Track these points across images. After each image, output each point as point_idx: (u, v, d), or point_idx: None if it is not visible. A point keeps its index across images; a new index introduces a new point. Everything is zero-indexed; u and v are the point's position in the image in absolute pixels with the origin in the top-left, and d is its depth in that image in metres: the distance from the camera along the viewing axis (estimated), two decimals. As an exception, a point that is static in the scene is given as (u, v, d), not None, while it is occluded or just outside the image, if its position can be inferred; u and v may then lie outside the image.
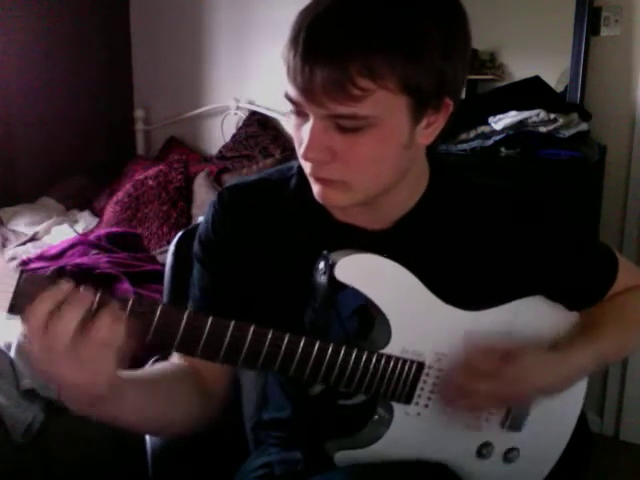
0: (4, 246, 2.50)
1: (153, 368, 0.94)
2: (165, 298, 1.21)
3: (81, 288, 0.74)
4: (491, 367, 0.88)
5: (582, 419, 1.10)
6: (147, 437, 1.19)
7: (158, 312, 0.77)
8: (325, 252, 0.89)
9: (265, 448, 1.09)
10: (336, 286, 0.89)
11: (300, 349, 0.84)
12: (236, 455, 1.14)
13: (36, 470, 1.74)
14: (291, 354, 0.84)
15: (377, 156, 0.83)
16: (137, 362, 0.88)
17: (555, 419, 1.04)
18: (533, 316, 0.99)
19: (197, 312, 0.81)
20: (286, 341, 0.83)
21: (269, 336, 0.82)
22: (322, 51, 0.76)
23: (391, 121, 0.81)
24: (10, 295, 0.72)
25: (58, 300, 0.72)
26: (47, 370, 0.74)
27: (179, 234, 1.24)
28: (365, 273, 0.88)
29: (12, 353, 1.73)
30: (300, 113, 0.83)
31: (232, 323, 0.80)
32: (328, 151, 0.82)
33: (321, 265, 0.90)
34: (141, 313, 0.77)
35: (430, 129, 0.86)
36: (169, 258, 1.23)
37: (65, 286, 0.73)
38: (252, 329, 0.81)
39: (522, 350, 0.91)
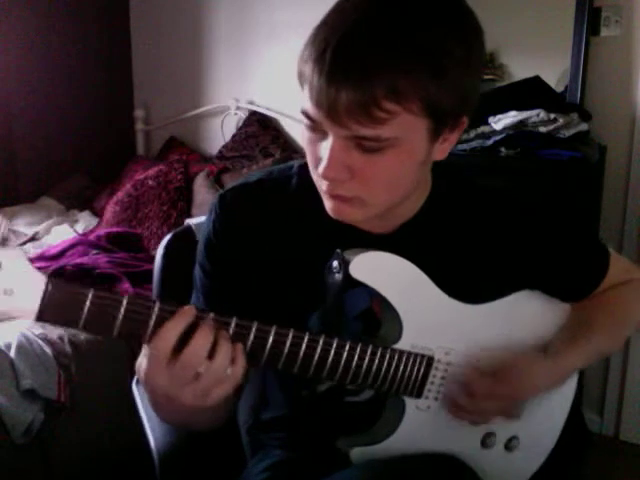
0: (4, 246, 2.50)
1: None
2: None
3: (210, 315, 0.78)
4: (486, 388, 0.93)
5: (578, 413, 1.13)
6: (151, 439, 1.18)
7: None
8: (338, 250, 0.90)
9: (268, 450, 1.08)
10: (349, 284, 0.90)
11: (319, 347, 0.85)
12: (230, 462, 1.14)
13: (36, 470, 1.74)
14: (311, 353, 0.85)
15: (395, 175, 0.84)
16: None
17: (550, 406, 1.07)
18: (531, 308, 1.03)
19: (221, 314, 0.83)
20: (306, 340, 0.84)
21: (290, 336, 0.83)
22: (349, 73, 0.76)
23: (411, 141, 0.81)
24: (37, 303, 0.71)
25: (186, 326, 0.76)
26: (166, 393, 0.78)
27: (168, 236, 1.23)
28: (378, 271, 0.90)
29: (12, 353, 1.73)
30: (316, 129, 0.82)
31: (255, 324, 0.81)
32: (347, 170, 0.82)
33: (335, 263, 0.90)
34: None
35: (445, 145, 0.87)
36: (158, 261, 1.22)
37: (192, 312, 0.77)
38: (274, 330, 0.82)
39: (516, 363, 0.95)
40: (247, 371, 1.01)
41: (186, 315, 0.76)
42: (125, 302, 0.74)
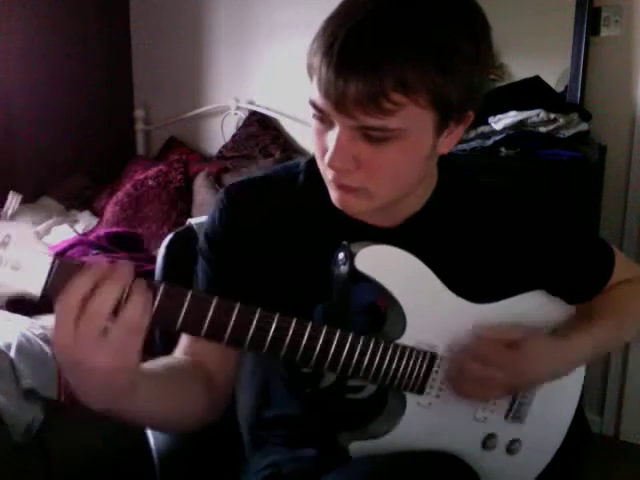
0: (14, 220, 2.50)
1: (162, 363, 0.93)
2: None
3: (121, 266, 0.72)
4: (500, 355, 0.91)
5: (580, 414, 1.12)
6: (151, 438, 1.19)
7: (187, 300, 0.77)
8: (345, 243, 0.91)
9: (269, 447, 1.09)
10: (355, 277, 0.90)
11: (322, 337, 0.85)
12: (231, 460, 1.14)
13: (36, 470, 1.74)
14: (313, 343, 0.85)
15: (401, 167, 0.85)
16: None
17: (554, 412, 1.07)
18: (534, 309, 1.02)
19: (224, 300, 0.80)
20: (309, 329, 0.84)
21: (292, 324, 0.84)
22: (357, 65, 0.76)
23: (417, 134, 0.82)
24: (43, 279, 0.72)
25: (95, 280, 0.70)
26: (75, 359, 0.71)
27: (169, 237, 1.23)
28: (384, 264, 0.90)
29: (12, 353, 1.73)
30: (324, 120, 0.83)
31: (258, 311, 0.81)
32: (353, 160, 0.83)
33: (341, 256, 0.91)
34: (170, 301, 0.77)
35: (449, 139, 0.88)
36: (159, 260, 1.22)
37: (102, 266, 0.72)
38: (277, 317, 0.83)
39: (525, 338, 0.94)
40: (235, 366, 1.00)
41: (99, 268, 0.71)
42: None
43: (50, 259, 0.72)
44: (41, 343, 1.79)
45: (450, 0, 0.81)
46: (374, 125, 0.79)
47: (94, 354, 0.70)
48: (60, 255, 0.73)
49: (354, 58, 0.77)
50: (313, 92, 0.82)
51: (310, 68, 0.82)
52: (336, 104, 0.79)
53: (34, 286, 0.72)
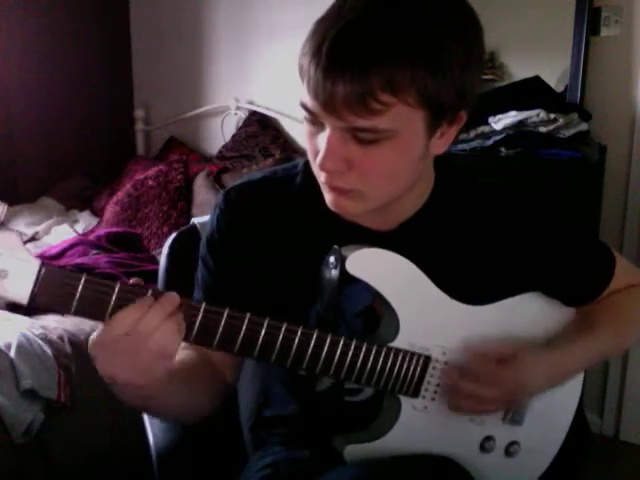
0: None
1: (178, 360, 0.94)
2: None
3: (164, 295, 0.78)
4: (492, 374, 0.91)
5: (580, 415, 1.12)
6: (150, 438, 1.19)
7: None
8: (336, 246, 0.91)
9: (268, 447, 1.08)
10: (346, 281, 0.90)
11: (313, 341, 0.86)
12: (232, 459, 1.14)
13: (36, 470, 1.74)
14: (304, 347, 0.85)
15: (393, 168, 0.85)
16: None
17: (554, 413, 1.07)
18: (532, 311, 1.02)
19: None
20: (299, 334, 0.85)
21: (283, 328, 0.84)
22: (345, 66, 0.77)
23: (408, 134, 0.82)
24: (30, 286, 0.72)
25: (145, 309, 0.76)
26: (110, 374, 0.78)
27: (172, 236, 1.23)
28: (375, 267, 0.90)
29: (12, 353, 1.73)
30: (315, 122, 0.83)
31: (247, 316, 0.82)
32: (345, 161, 0.83)
33: (332, 259, 0.91)
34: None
35: (443, 139, 0.88)
36: (163, 260, 1.22)
37: (149, 297, 0.78)
38: (266, 322, 0.83)
39: (519, 352, 0.94)
40: (239, 360, 1.02)
41: (148, 299, 0.77)
42: (117, 288, 0.76)
43: (37, 267, 0.72)
44: (41, 343, 1.79)
45: (442, 1, 0.81)
46: (363, 126, 0.79)
47: (124, 373, 0.77)
48: (46, 262, 0.74)
49: (342, 59, 0.77)
50: (303, 94, 0.82)
51: (301, 70, 0.82)
52: (325, 105, 0.79)
53: (21, 294, 0.72)
